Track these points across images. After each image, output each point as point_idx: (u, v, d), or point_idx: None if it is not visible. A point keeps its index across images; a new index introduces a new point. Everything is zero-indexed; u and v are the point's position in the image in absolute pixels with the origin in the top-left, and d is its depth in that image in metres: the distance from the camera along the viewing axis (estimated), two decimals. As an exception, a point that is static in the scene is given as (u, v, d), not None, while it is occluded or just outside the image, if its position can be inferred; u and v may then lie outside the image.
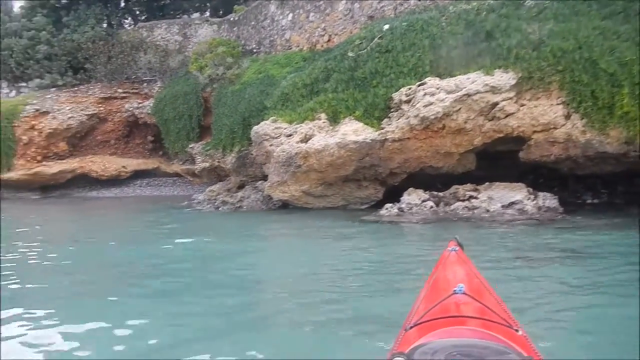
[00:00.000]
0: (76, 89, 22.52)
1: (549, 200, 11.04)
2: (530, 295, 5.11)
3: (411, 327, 2.23)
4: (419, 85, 11.84)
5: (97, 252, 8.60)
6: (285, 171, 12.38)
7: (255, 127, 13.56)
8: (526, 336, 2.14)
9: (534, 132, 10.97)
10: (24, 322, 4.49)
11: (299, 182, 12.44)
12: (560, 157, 10.96)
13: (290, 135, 12.62)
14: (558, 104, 10.77)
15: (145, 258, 7.88)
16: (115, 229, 12.35)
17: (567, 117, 10.70)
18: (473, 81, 11.16)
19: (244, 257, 7.88)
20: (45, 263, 7.55)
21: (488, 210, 10.68)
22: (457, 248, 3.05)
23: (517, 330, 2.16)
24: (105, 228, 12.51)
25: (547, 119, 10.75)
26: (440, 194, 11.58)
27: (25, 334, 4.20)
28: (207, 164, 17.70)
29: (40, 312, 4.78)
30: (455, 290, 2.38)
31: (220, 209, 14.42)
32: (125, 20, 27.17)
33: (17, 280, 6.20)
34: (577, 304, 4.88)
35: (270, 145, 12.79)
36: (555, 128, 10.80)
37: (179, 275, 6.58)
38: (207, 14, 27.76)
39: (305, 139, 12.38)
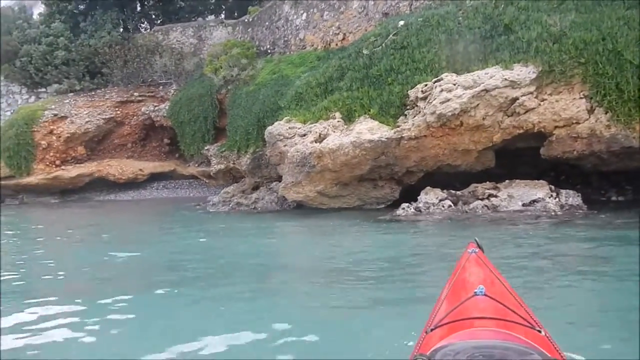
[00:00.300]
0: (93, 93, 22.66)
1: (572, 197, 10.65)
2: (553, 297, 4.82)
3: (432, 329, 2.23)
4: (435, 82, 11.54)
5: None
6: (299, 171, 12.17)
7: (269, 128, 13.39)
8: (549, 336, 2.12)
9: (556, 127, 10.58)
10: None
11: (314, 183, 12.22)
12: (583, 153, 10.54)
13: (304, 135, 12.42)
14: (581, 98, 10.38)
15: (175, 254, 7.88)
16: (137, 231, 12.30)
17: (591, 111, 10.30)
18: (491, 76, 10.83)
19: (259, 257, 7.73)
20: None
21: (508, 209, 10.34)
22: (477, 250, 3.03)
23: (539, 331, 2.13)
24: (128, 231, 12.45)
25: (570, 113, 10.36)
26: (459, 192, 11.26)
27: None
28: (222, 166, 17.60)
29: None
30: (475, 292, 2.36)
31: (234, 210, 14.28)
32: (142, 25, 27.29)
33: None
34: (604, 307, 4.58)
35: (284, 145, 12.60)
36: (578, 123, 10.40)
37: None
38: (222, 16, 27.74)
39: (320, 139, 12.17)
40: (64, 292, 5.79)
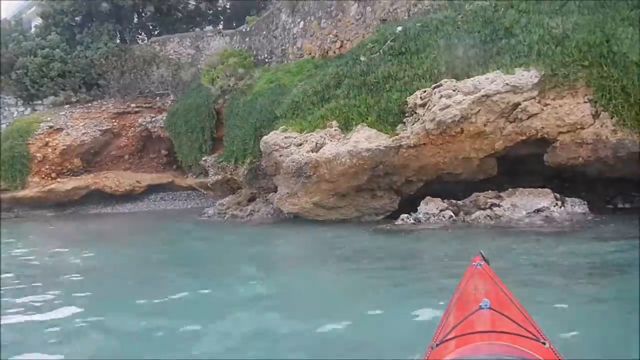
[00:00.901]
0: (90, 105, 22.39)
1: (577, 205, 10.26)
2: (561, 310, 4.44)
3: (438, 345, 2.22)
4: (434, 88, 11.20)
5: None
6: (295, 182, 11.80)
7: (264, 137, 13.04)
8: (554, 349, 2.12)
9: (560, 133, 10.19)
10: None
11: (310, 194, 11.83)
12: (589, 159, 10.13)
13: (300, 144, 12.07)
14: (585, 102, 10.00)
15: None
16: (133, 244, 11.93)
17: (596, 115, 9.92)
18: (492, 81, 10.47)
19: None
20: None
21: (512, 219, 9.94)
22: (482, 262, 3.01)
23: (544, 343, 2.14)
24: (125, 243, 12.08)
25: (574, 118, 9.97)
26: (460, 202, 10.87)
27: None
28: (220, 177, 17.26)
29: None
30: (481, 306, 2.37)
31: (230, 222, 13.90)
32: (139, 36, 27.10)
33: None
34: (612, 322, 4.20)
35: (280, 155, 12.24)
36: (582, 128, 10.01)
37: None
38: (220, 26, 27.57)
39: (316, 148, 11.81)
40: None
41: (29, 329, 5.01)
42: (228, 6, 28.08)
